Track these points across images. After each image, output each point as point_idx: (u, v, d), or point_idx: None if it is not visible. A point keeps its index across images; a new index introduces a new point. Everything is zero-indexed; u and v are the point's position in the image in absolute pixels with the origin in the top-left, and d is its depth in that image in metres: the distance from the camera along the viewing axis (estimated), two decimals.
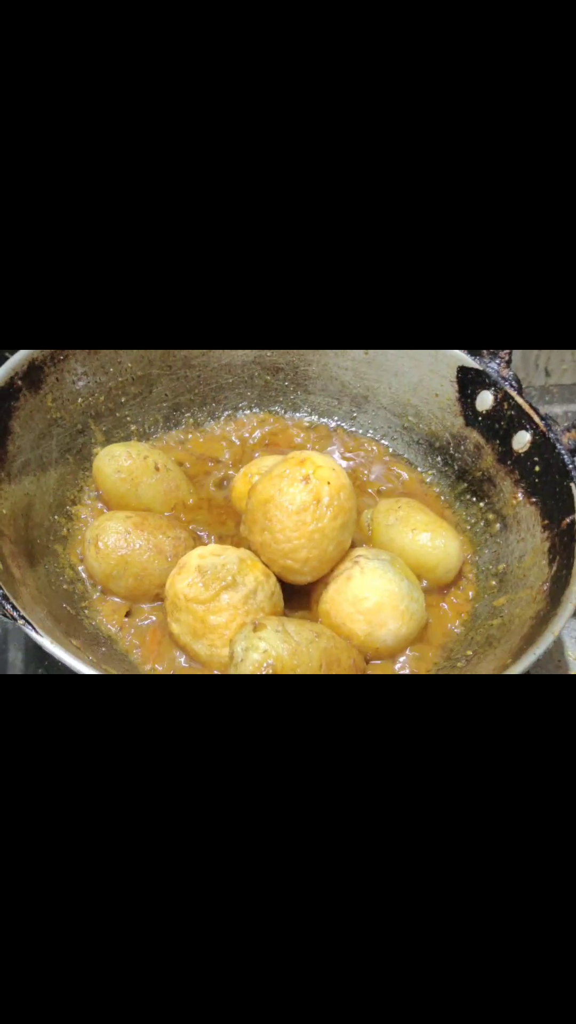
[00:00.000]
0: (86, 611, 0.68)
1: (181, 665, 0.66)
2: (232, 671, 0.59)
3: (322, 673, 0.59)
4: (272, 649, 0.57)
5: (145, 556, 0.68)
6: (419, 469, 0.84)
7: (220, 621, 0.63)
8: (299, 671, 0.58)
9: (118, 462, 0.73)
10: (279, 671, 0.57)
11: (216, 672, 0.64)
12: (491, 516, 0.76)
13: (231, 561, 0.64)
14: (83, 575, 0.70)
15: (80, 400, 0.77)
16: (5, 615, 0.55)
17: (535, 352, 1.01)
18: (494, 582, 0.72)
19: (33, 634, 0.54)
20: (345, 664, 0.62)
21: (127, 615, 0.69)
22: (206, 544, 0.71)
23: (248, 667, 0.57)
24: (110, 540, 0.68)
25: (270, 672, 0.57)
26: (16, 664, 0.75)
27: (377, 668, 0.67)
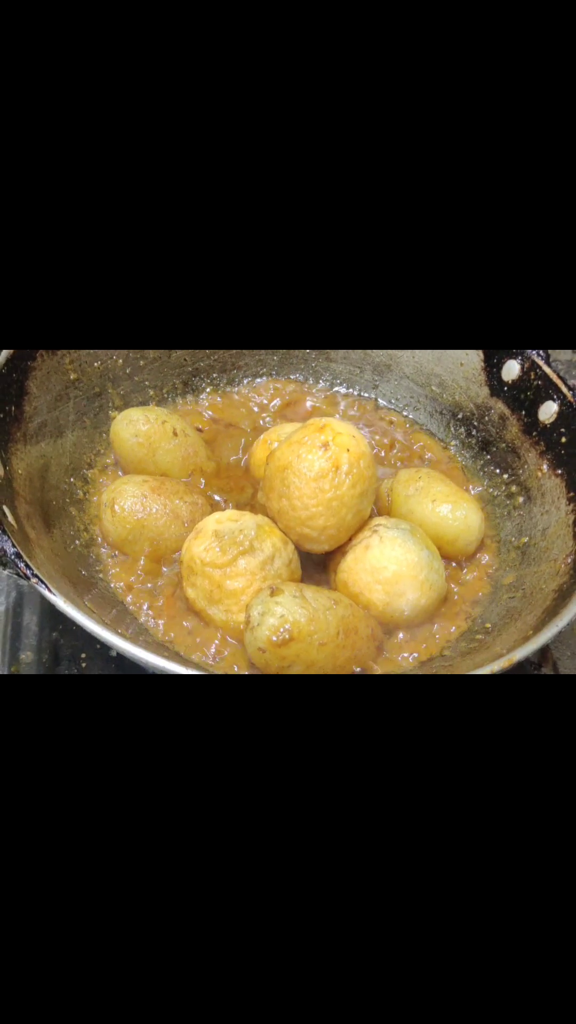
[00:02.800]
0: (100, 574, 0.67)
1: (187, 628, 0.65)
2: (248, 635, 0.58)
3: (339, 640, 0.58)
4: (289, 614, 0.56)
5: (161, 521, 0.67)
6: (442, 440, 0.82)
7: (237, 586, 0.62)
8: (315, 637, 0.57)
9: (136, 426, 0.71)
10: (295, 636, 0.56)
11: (231, 639, 0.64)
12: (515, 488, 0.75)
13: (249, 527, 0.63)
14: (98, 538, 0.70)
15: (98, 363, 0.76)
16: (19, 574, 0.55)
17: None
18: (516, 555, 0.70)
19: (46, 593, 0.53)
20: (363, 633, 0.61)
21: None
22: (223, 510, 0.70)
23: (264, 631, 0.56)
24: (127, 504, 0.67)
25: (287, 636, 0.56)
26: (31, 628, 0.75)
27: (395, 641, 0.66)
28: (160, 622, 0.65)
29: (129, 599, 0.66)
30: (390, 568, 0.64)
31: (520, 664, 0.55)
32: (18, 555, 0.54)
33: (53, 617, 0.74)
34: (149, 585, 0.68)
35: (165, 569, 0.68)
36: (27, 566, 0.54)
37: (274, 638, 0.56)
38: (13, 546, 0.55)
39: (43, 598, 0.74)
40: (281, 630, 0.56)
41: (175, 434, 0.72)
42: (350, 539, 0.67)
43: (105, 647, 0.72)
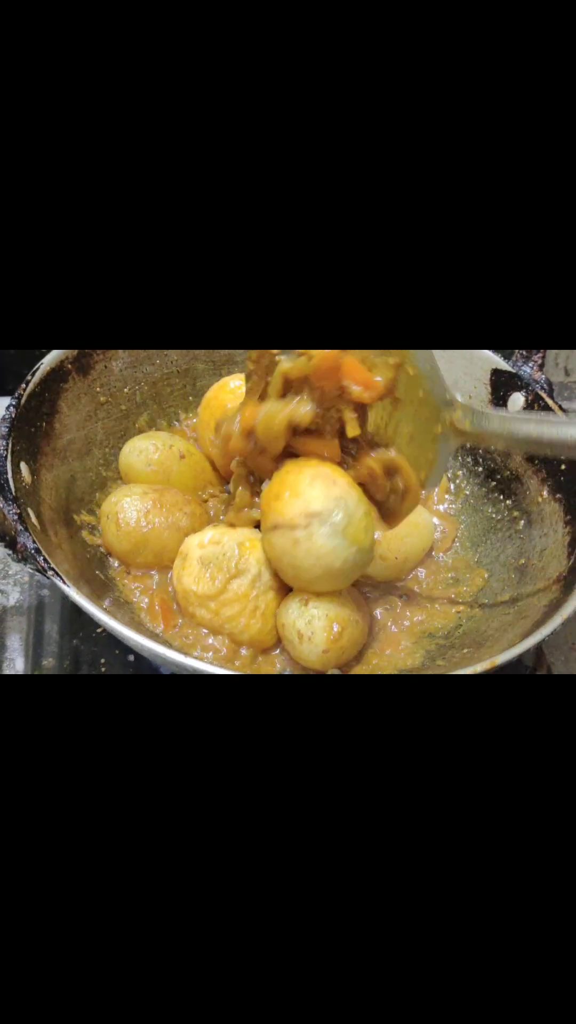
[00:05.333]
0: (115, 580, 0.71)
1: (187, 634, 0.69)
2: (305, 647, 0.64)
3: (360, 616, 0.66)
4: (330, 611, 0.63)
5: (165, 534, 0.70)
6: (450, 469, 0.86)
7: (233, 612, 0.66)
8: (352, 618, 0.65)
9: (148, 455, 0.76)
10: (344, 626, 0.63)
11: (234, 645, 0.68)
12: (516, 513, 0.78)
13: (231, 549, 0.66)
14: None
15: (127, 389, 0.82)
16: (38, 569, 0.59)
17: (555, 352, 1.02)
18: (514, 575, 0.73)
19: (61, 585, 0.58)
20: (365, 608, 0.68)
21: None
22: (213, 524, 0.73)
23: (322, 635, 0.63)
24: (130, 517, 0.70)
25: (339, 629, 0.63)
26: (52, 635, 0.79)
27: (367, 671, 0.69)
28: (159, 627, 0.69)
29: (134, 602, 0.70)
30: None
31: (515, 669, 0.57)
32: (37, 550, 0.59)
33: (73, 625, 0.78)
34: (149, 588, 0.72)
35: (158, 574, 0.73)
36: (45, 560, 0.59)
37: (331, 636, 0.63)
38: (33, 542, 0.59)
39: (63, 607, 0.79)
40: (334, 627, 0.63)
41: (182, 456, 0.77)
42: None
43: (123, 652, 0.76)
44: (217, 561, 0.66)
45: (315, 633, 0.63)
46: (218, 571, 0.65)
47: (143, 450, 0.76)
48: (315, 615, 0.63)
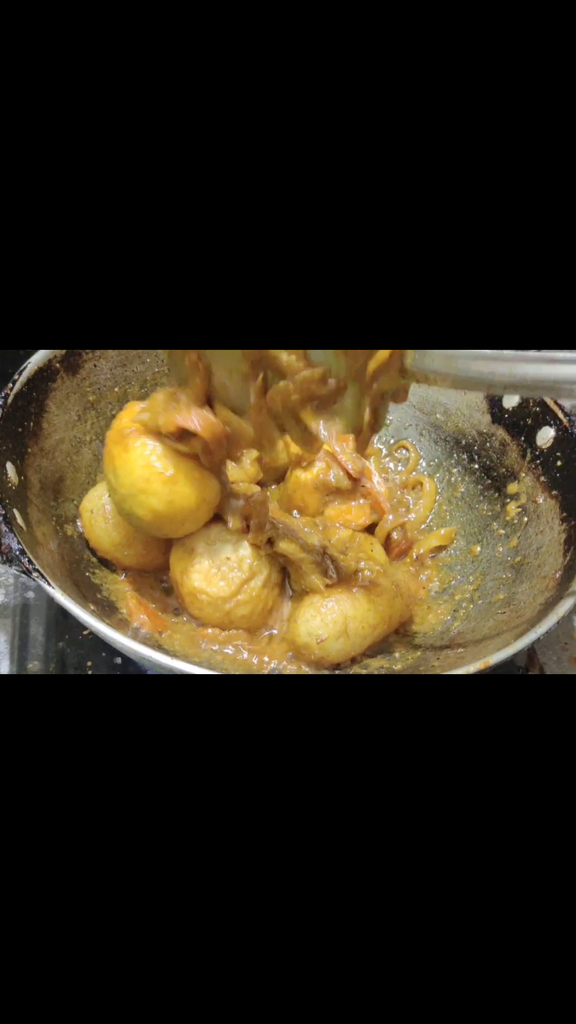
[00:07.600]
0: (102, 582, 0.70)
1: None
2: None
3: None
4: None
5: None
6: (445, 466, 0.85)
7: (244, 612, 0.66)
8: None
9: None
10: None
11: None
12: (512, 510, 0.76)
13: (245, 552, 0.66)
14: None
15: (117, 388, 0.81)
16: (23, 570, 0.58)
17: None
18: (510, 573, 0.72)
19: (45, 586, 0.57)
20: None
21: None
22: None
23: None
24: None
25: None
26: (38, 638, 0.77)
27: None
28: (151, 628, 0.68)
29: (120, 603, 0.69)
30: None
31: (508, 669, 0.56)
32: (23, 551, 0.58)
33: (59, 627, 0.77)
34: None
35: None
36: (30, 561, 0.57)
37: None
38: (19, 543, 0.58)
39: (49, 609, 0.78)
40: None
41: None
42: None
43: (110, 655, 0.75)
44: (230, 563, 0.65)
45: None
46: (231, 572, 0.65)
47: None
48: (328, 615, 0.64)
